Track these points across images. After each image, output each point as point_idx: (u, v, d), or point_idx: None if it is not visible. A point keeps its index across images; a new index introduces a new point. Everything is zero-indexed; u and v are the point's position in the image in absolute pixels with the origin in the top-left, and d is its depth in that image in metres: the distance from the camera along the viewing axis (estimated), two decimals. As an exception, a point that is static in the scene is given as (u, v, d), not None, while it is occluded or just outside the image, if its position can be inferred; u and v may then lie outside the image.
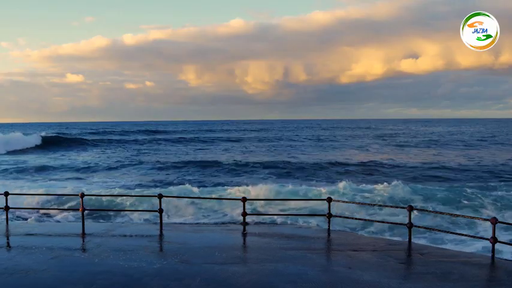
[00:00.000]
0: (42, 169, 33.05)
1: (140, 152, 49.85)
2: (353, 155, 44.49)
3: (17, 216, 15.60)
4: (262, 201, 17.71)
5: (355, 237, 10.86)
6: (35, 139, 51.17)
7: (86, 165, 35.58)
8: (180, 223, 13.01)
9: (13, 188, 20.59)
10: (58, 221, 15.61)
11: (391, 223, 12.54)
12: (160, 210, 12.22)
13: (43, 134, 57.49)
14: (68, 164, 36.59)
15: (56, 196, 18.91)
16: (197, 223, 13.68)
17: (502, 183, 24.69)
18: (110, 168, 34.34)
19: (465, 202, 18.61)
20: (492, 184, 24.18)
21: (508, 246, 9.96)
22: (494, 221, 8.71)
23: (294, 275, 7.49)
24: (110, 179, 28.62)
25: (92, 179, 28.84)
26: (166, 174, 31.38)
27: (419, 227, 10.99)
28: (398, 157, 41.99)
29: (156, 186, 24.12)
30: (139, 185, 25.50)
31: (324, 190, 20.48)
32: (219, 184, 25.48)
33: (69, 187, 23.17)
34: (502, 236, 10.57)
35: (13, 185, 24.34)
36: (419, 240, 11.93)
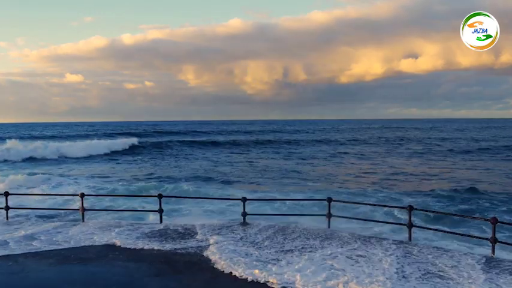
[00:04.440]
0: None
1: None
2: None
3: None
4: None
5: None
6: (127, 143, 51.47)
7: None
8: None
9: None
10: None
11: (391, 223, 12.54)
12: (161, 210, 12.24)
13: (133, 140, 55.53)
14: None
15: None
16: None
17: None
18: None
19: None
20: None
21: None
22: (494, 221, 8.72)
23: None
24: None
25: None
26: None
27: (419, 227, 11.02)
28: None
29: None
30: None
31: None
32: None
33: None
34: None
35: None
36: (419, 241, 11.93)
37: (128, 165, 36.05)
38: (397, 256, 8.74)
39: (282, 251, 9.25)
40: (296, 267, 8.20)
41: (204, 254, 9.20)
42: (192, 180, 26.64)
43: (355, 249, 9.32)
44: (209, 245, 9.80)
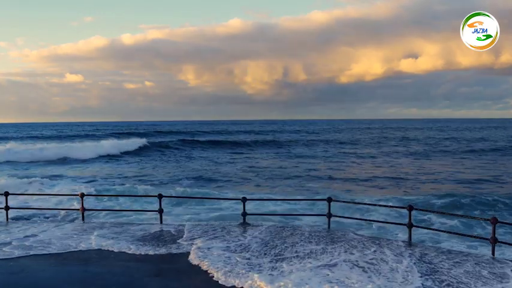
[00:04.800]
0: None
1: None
2: None
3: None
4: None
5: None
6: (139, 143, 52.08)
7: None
8: (180, 224, 12.99)
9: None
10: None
11: (391, 223, 12.54)
12: (161, 210, 12.24)
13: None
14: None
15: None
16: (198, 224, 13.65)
17: None
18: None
19: None
20: None
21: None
22: (494, 221, 8.72)
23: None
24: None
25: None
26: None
27: (419, 227, 11.01)
28: None
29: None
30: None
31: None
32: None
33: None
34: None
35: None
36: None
37: (135, 166, 36.05)
38: (412, 263, 8.09)
39: (279, 258, 8.47)
40: (291, 280, 7.19)
41: (192, 258, 8.66)
42: (195, 181, 26.69)
43: (363, 254, 8.71)
44: (201, 249, 9.19)
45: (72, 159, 40.52)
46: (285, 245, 9.49)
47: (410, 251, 8.99)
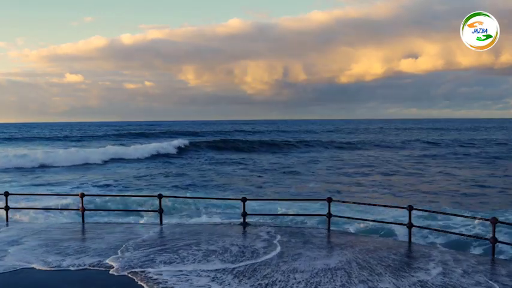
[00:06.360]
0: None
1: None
2: None
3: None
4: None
5: (355, 237, 10.84)
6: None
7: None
8: (180, 224, 12.99)
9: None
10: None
11: (391, 223, 12.53)
12: (161, 210, 12.22)
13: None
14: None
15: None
16: (198, 224, 13.65)
17: None
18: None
19: None
20: None
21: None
22: (494, 221, 8.71)
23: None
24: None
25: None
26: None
27: (419, 227, 11.00)
28: None
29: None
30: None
31: None
32: None
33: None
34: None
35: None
36: (418, 240, 11.93)
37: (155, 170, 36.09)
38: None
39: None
40: None
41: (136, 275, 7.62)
42: (199, 184, 26.75)
43: (396, 273, 7.46)
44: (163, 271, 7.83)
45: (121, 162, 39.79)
46: (283, 258, 8.45)
47: (485, 266, 8.04)
